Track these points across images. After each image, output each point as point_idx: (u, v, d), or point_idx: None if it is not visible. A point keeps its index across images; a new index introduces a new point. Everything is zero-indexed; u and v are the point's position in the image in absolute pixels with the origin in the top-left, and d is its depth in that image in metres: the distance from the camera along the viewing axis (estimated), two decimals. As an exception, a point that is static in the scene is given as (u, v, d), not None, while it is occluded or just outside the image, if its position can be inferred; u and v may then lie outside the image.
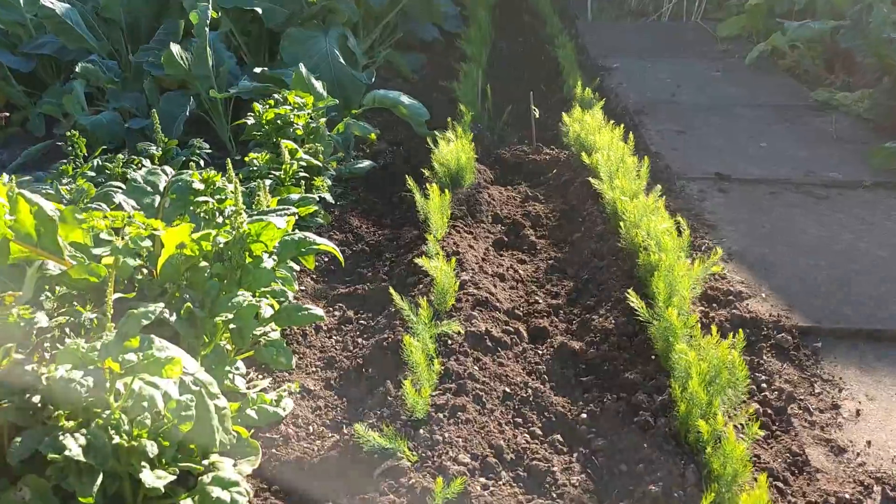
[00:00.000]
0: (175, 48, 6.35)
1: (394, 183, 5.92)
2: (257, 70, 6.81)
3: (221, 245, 3.47)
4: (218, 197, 3.66)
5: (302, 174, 5.19)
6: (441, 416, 3.11)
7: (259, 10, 7.33)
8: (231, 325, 3.34)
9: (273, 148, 5.37)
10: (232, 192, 3.61)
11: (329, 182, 5.48)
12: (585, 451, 3.18)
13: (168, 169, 3.92)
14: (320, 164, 5.42)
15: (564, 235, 4.98)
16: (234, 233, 3.44)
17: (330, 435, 3.29)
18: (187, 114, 6.31)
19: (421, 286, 4.15)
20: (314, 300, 4.47)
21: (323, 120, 5.75)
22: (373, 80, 7.44)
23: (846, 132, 7.02)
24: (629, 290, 3.65)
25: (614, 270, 4.35)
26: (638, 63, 9.38)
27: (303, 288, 4.53)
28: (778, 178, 5.97)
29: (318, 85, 6.24)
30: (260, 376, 3.69)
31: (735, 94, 8.13)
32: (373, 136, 6.78)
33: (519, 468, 3.02)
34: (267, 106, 5.59)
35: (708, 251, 4.78)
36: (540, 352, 3.83)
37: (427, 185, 4.83)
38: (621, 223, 4.42)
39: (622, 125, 6.99)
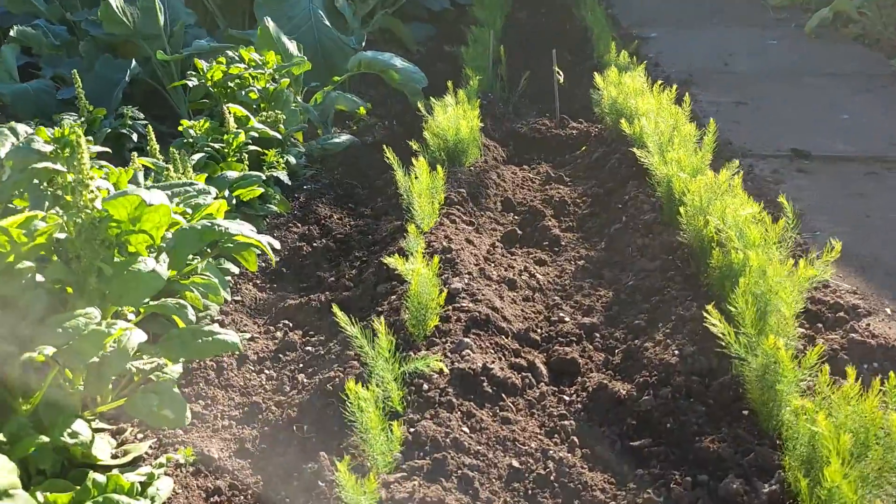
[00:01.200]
0: (115, 1, 5.14)
1: (379, 164, 4.66)
2: (231, 31, 5.58)
3: (67, 238, 2.23)
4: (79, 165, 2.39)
5: (253, 148, 3.94)
6: (401, 520, 1.84)
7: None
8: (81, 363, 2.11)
9: (222, 120, 4.13)
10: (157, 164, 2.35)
11: (292, 159, 4.23)
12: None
13: (21, 128, 2.68)
14: (279, 137, 4.17)
15: (599, 227, 3.69)
16: (80, 217, 2.19)
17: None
18: (127, 79, 5.08)
19: (393, 297, 2.88)
20: (253, 316, 3.21)
21: (287, 82, 4.50)
22: (362, 44, 6.19)
23: (945, 102, 5.65)
24: (706, 308, 2.35)
25: (672, 275, 3.05)
26: (678, 33, 8.04)
27: (238, 298, 3.28)
28: (874, 156, 4.62)
29: (291, 45, 5.00)
30: (141, 435, 2.43)
31: (799, 63, 6.78)
32: (362, 109, 5.52)
33: None
34: (214, 63, 4.35)
35: (801, 249, 3.46)
36: (567, 398, 2.55)
37: (415, 160, 3.56)
38: (681, 209, 3.11)
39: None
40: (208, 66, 4.28)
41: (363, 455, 2.11)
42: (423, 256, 2.78)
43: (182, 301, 2.48)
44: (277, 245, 3.30)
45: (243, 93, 4.29)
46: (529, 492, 2.13)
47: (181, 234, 2.49)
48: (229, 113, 3.93)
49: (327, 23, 5.87)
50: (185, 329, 2.40)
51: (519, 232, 3.65)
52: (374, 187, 4.41)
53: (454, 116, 4.01)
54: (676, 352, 2.56)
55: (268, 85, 4.43)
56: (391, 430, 2.07)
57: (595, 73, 5.18)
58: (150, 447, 2.34)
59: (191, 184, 2.76)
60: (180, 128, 3.98)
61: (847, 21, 8.03)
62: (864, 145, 4.78)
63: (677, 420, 2.34)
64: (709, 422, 2.30)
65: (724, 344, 2.30)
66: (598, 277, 3.29)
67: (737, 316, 2.37)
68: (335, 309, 2.32)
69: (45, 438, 2.06)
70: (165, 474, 2.18)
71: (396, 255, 2.80)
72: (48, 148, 2.40)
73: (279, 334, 3.02)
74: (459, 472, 2.06)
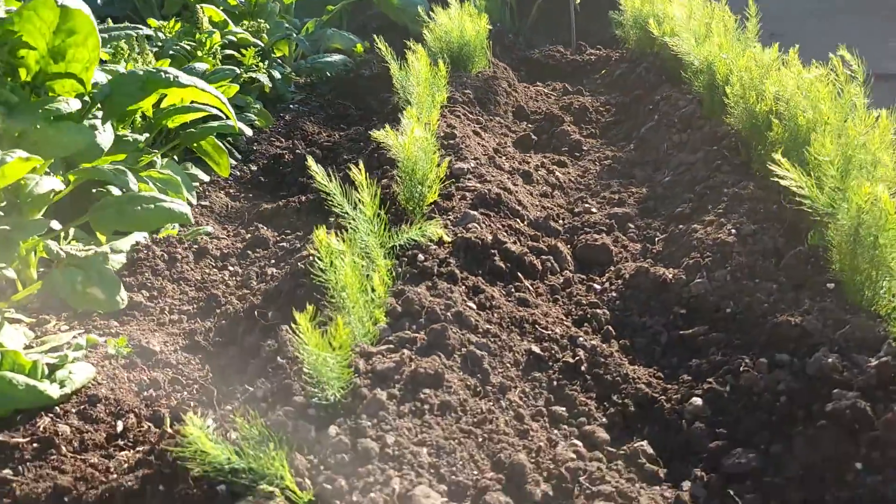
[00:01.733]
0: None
1: (377, 90, 4.20)
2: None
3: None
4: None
5: (229, 52, 3.47)
6: (383, 396, 1.35)
7: None
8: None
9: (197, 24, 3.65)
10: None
11: (276, 74, 3.75)
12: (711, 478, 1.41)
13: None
14: (261, 45, 3.70)
15: (626, 132, 3.19)
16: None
17: (148, 436, 1.54)
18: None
19: (384, 181, 2.39)
20: (223, 223, 2.73)
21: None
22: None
23: None
24: (773, 156, 1.85)
25: (718, 164, 2.55)
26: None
27: (206, 204, 2.80)
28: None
29: (277, -39, 4.53)
30: (72, 325, 1.94)
31: (828, 2, 6.30)
32: (359, 47, 5.06)
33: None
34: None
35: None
36: (598, 286, 2.05)
37: (411, 55, 3.08)
38: (727, 90, 2.62)
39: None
40: (182, -33, 3.81)
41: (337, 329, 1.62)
42: (415, 127, 2.28)
43: (120, 166, 2.00)
44: (249, 132, 2.83)
45: (223, -1, 3.83)
46: (555, 382, 1.63)
47: (118, 79, 2.01)
48: (203, 14, 3.46)
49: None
50: (121, 196, 1.92)
51: (534, 137, 3.16)
52: (370, 108, 3.93)
53: (458, 17, 3.52)
54: (733, 231, 2.06)
55: (252, -7, 3.96)
56: (373, 292, 1.57)
57: (610, 7, 4.70)
58: (75, 338, 1.86)
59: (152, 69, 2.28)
60: (154, 23, 3.51)
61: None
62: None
63: (740, 302, 1.84)
64: (781, 300, 1.80)
65: (798, 206, 1.80)
66: (628, 177, 2.79)
67: (815, 168, 1.88)
68: (309, 161, 1.82)
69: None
70: (87, 361, 1.70)
71: (386, 129, 2.31)
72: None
73: (248, 236, 2.53)
74: (464, 349, 1.57)
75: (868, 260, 1.68)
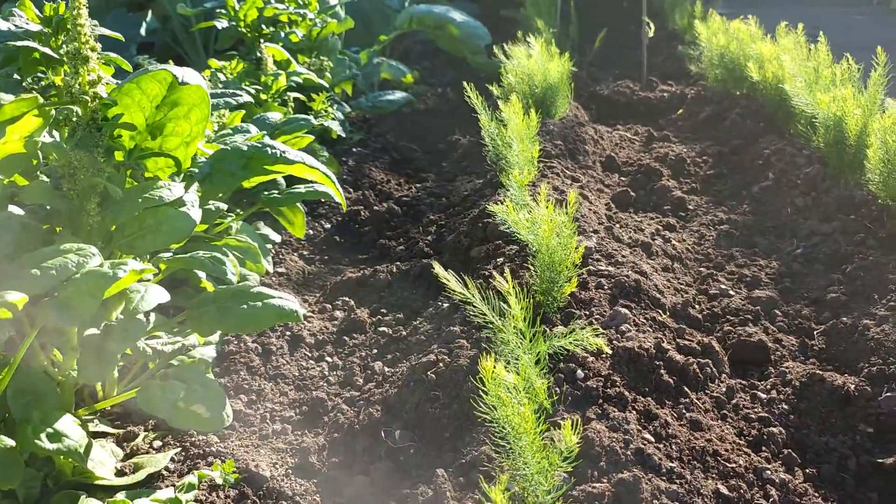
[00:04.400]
0: (131, -54, 4.47)
1: (437, 129, 3.96)
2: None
3: (56, 142, 1.50)
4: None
5: (295, 95, 3.22)
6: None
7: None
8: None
9: (258, 62, 3.41)
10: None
11: (340, 115, 3.50)
12: None
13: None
14: (325, 85, 3.45)
15: (733, 189, 2.93)
16: (76, 108, 1.46)
17: None
18: (143, 33, 4.38)
19: (500, 260, 2.12)
20: (301, 292, 2.48)
21: (334, 24, 3.78)
22: (405, 5, 5.46)
23: None
24: None
25: (861, 238, 2.29)
26: (756, 11, 7.31)
27: (283, 271, 2.55)
28: None
29: (332, -3, 4.28)
30: (160, 442, 1.68)
31: (886, 35, 6.03)
32: (409, 77, 4.82)
33: None
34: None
35: None
36: (763, 394, 1.78)
37: (502, 103, 2.82)
38: (868, 153, 2.36)
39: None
40: (240, 3, 3.56)
41: (498, 472, 1.36)
42: (546, 203, 2.02)
43: (217, 255, 1.75)
44: (343, 201, 2.59)
45: (283, 35, 3.58)
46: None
47: (221, 155, 1.75)
48: (268, 54, 3.21)
49: (368, -20, 5.16)
50: (222, 290, 1.66)
51: (632, 193, 2.90)
52: (437, 151, 3.69)
53: (541, 58, 3.27)
54: (916, 332, 1.80)
55: (311, 29, 3.72)
56: (546, 435, 1.31)
57: (671, 43, 4.47)
58: (173, 459, 1.60)
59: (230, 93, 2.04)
60: (207, 72, 3.26)
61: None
62: None
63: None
64: None
65: None
66: (750, 245, 2.52)
67: None
68: (435, 266, 1.55)
69: (9, 441, 1.32)
70: (196, 501, 1.44)
71: (503, 203, 2.05)
72: (35, 27, 1.67)
73: (339, 314, 2.27)
74: (655, 502, 1.30)
75: None
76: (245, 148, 1.75)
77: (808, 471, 1.58)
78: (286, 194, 2.32)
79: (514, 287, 1.51)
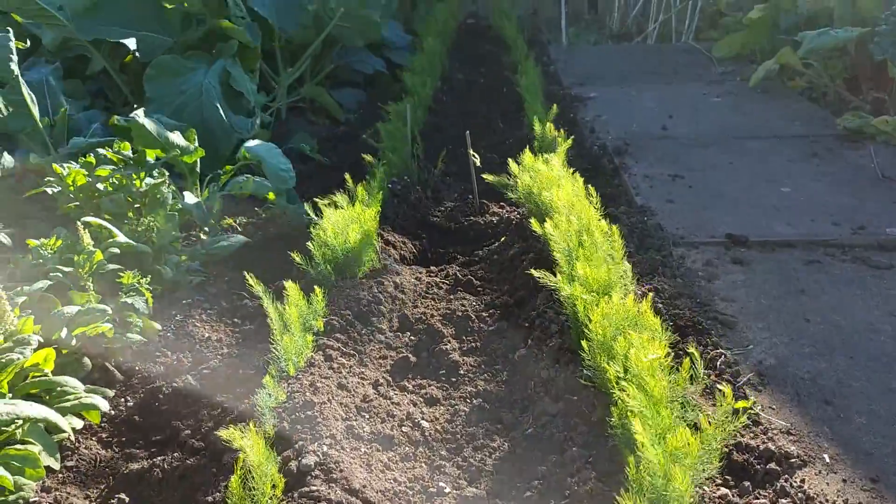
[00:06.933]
0: (-19, 91, 4.68)
1: (278, 266, 4.21)
2: (116, 119, 5.06)
3: None
4: None
5: (113, 267, 3.45)
6: None
7: (131, 45, 5.68)
8: None
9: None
10: None
11: (169, 272, 3.74)
12: None
13: None
14: (148, 250, 3.70)
15: (505, 351, 3.22)
16: None
17: None
18: None
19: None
20: (86, 486, 2.70)
21: (164, 180, 4.03)
22: (258, 125, 5.68)
23: (892, 167, 5.31)
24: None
25: (575, 423, 2.60)
26: (620, 91, 7.72)
27: (72, 464, 2.77)
28: (816, 240, 4.24)
29: (176, 136, 4.52)
30: None
31: (742, 124, 6.46)
32: (271, 195, 5.08)
33: None
34: (76, 167, 3.88)
35: (728, 372, 3.03)
36: None
37: (287, 284, 3.11)
38: (584, 342, 2.68)
39: (598, 171, 5.33)
40: (66, 171, 3.80)
41: None
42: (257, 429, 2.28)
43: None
44: (105, 406, 2.82)
45: (111, 199, 3.82)
46: None
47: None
48: (83, 228, 3.45)
49: (217, 103, 5.39)
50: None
51: (413, 359, 3.18)
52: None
53: (342, 221, 3.56)
54: None
55: (143, 184, 3.96)
56: None
57: (525, 146, 4.80)
58: None
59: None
60: (33, 243, 3.50)
61: (793, 73, 7.79)
62: (806, 226, 4.40)
63: None
64: None
65: None
66: (497, 421, 2.82)
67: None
68: None
69: None
70: None
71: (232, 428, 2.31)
72: None
73: (108, 516, 2.50)
74: None
75: None
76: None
77: None
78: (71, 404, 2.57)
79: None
